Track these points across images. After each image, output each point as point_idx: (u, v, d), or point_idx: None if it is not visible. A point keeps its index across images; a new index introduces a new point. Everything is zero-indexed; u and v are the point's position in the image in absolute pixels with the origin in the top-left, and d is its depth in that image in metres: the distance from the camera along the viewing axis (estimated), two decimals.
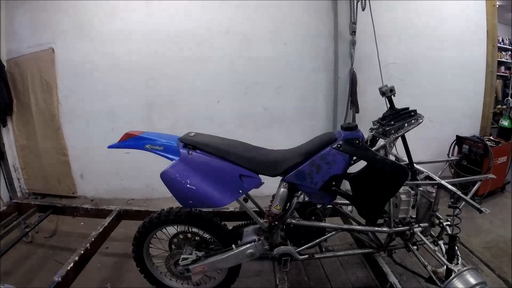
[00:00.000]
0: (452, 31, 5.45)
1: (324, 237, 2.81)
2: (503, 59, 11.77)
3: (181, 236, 2.85)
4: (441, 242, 2.84)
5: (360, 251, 3.09)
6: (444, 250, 2.74)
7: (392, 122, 2.56)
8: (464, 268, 2.41)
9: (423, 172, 2.99)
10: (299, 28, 5.05)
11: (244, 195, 2.55)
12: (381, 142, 2.62)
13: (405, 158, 2.82)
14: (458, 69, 5.59)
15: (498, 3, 5.73)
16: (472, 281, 2.33)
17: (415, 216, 2.89)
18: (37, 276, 3.51)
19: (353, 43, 4.93)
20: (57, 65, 4.91)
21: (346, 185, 2.55)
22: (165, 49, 4.90)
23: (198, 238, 2.84)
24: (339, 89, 5.16)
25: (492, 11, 5.55)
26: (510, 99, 6.43)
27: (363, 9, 4.63)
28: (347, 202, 2.87)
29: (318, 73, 5.21)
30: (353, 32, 4.87)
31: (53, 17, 4.80)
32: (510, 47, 11.93)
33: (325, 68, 5.20)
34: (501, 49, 11.40)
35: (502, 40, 11.51)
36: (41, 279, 3.43)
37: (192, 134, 2.51)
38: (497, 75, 8.95)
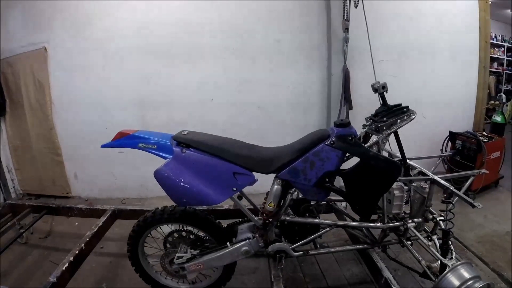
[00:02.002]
0: (445, 27, 5.48)
1: (318, 233, 2.82)
2: (496, 55, 11.84)
3: (175, 235, 2.84)
4: (435, 237, 2.85)
5: (354, 247, 3.09)
6: (438, 245, 2.75)
7: (385, 119, 2.56)
8: (458, 263, 2.42)
9: (416, 168, 3.00)
10: (292, 25, 5.05)
11: (238, 193, 2.56)
12: (374, 138, 2.62)
13: (398, 154, 2.83)
14: (451, 65, 5.63)
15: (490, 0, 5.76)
16: (466, 275, 2.33)
17: (408, 211, 2.90)
18: (33, 277, 3.50)
19: (346, 40, 4.94)
20: (49, 64, 4.89)
21: (340, 182, 2.55)
22: (158, 47, 4.89)
23: (193, 236, 2.84)
24: (333, 86, 5.17)
25: (484, 7, 5.58)
26: (503, 95, 6.48)
27: (356, 6, 4.64)
28: (341, 198, 2.89)
29: (312, 70, 5.22)
30: (346, 29, 4.87)
31: (45, 16, 4.78)
32: (503, 43, 12.00)
33: (319, 65, 5.21)
34: (494, 45, 11.47)
35: (495, 37, 11.59)
36: (36, 280, 3.43)
37: (185, 132, 2.50)
38: (490, 71, 9.02)
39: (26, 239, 4.13)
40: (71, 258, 2.87)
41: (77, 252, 2.97)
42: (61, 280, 2.69)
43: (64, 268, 2.74)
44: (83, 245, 3.07)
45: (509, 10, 10.99)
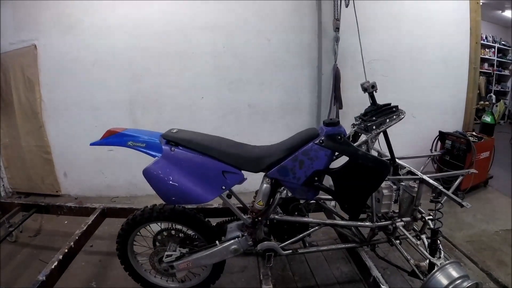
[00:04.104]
0: (436, 28, 5.50)
1: (307, 232, 2.82)
2: (487, 56, 11.91)
3: (165, 233, 2.84)
4: (423, 236, 2.86)
5: (343, 245, 3.10)
6: (426, 244, 2.76)
7: (374, 118, 2.58)
8: (447, 262, 2.42)
9: (405, 167, 3.02)
10: (283, 24, 5.05)
11: (228, 191, 2.55)
12: (363, 137, 2.64)
13: (388, 154, 2.85)
14: (442, 65, 5.65)
15: (482, 1, 5.80)
16: (455, 274, 2.34)
17: (397, 210, 2.92)
18: (22, 275, 3.49)
19: (336, 40, 4.94)
20: (39, 62, 4.86)
21: (329, 180, 2.56)
22: (148, 45, 4.87)
23: (182, 234, 2.84)
24: (323, 85, 5.17)
25: (475, 8, 5.61)
26: (493, 96, 6.54)
27: (347, 6, 4.65)
28: (330, 197, 2.90)
29: (302, 69, 5.22)
30: (337, 29, 4.87)
31: (35, 13, 4.74)
32: (493, 44, 12.08)
33: (309, 64, 5.21)
34: (484, 46, 11.55)
35: (486, 37, 11.66)
36: (26, 278, 3.41)
37: (174, 131, 2.50)
38: (480, 72, 9.08)
39: (16, 238, 4.11)
40: (60, 257, 2.86)
41: (66, 250, 2.96)
42: (50, 279, 2.68)
43: (53, 267, 2.74)
44: (72, 243, 3.06)
45: (500, 11, 11.05)
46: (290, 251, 2.84)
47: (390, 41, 5.37)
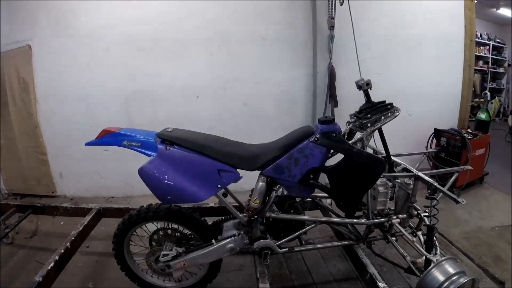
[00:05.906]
0: (430, 26, 5.52)
1: (303, 230, 2.83)
2: (481, 54, 11.96)
3: (161, 233, 2.83)
4: (419, 233, 2.88)
5: (339, 243, 3.11)
6: (422, 240, 2.78)
7: (369, 115, 2.58)
8: (443, 258, 2.43)
9: (401, 164, 3.02)
10: (278, 23, 5.05)
11: (223, 190, 2.56)
12: (358, 135, 2.64)
13: (383, 151, 2.85)
14: (436, 63, 5.67)
15: None
16: (451, 270, 2.35)
17: (393, 207, 2.93)
18: (19, 277, 3.48)
19: (331, 38, 4.95)
20: (34, 63, 4.84)
21: (324, 178, 2.56)
22: (143, 44, 4.86)
23: (178, 234, 2.83)
24: (318, 84, 5.19)
25: (470, 6, 5.64)
26: (488, 93, 6.56)
27: (341, 4, 4.66)
28: (326, 195, 2.90)
29: (297, 68, 5.23)
30: (332, 27, 4.88)
31: (30, 13, 4.72)
32: (488, 42, 12.13)
33: (304, 63, 5.22)
34: (479, 44, 11.60)
35: (481, 35, 11.71)
36: (22, 280, 3.40)
37: (169, 130, 2.49)
38: (475, 69, 9.11)
39: (12, 239, 4.10)
40: (57, 258, 2.86)
41: (62, 251, 2.95)
42: (46, 280, 2.68)
43: (49, 268, 2.73)
44: (68, 244, 3.05)
45: (495, 9, 11.09)
46: (287, 249, 2.84)
47: (385, 39, 5.38)
